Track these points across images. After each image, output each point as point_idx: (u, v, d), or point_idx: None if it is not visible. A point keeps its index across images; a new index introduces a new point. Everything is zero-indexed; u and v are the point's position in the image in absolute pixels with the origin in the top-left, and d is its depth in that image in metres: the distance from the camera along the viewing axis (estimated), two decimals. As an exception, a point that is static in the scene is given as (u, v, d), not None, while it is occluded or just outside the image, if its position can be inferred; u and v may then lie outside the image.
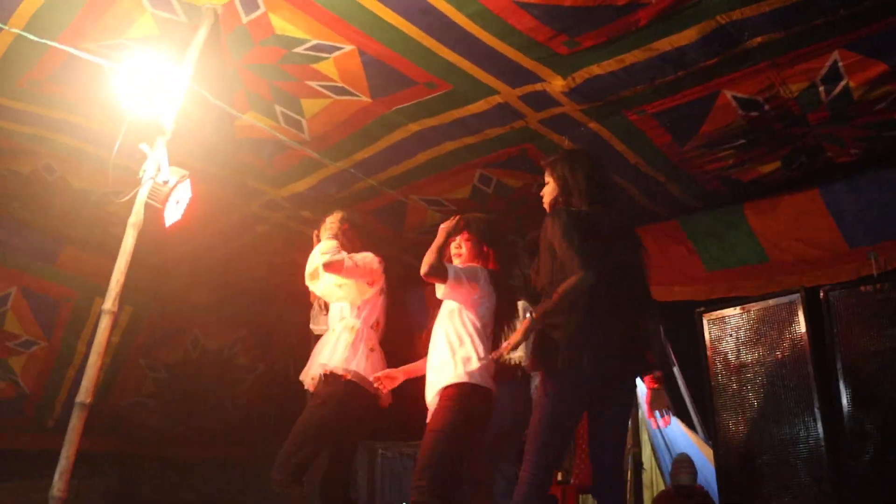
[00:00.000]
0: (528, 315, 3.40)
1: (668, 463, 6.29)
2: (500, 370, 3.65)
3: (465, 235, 3.80)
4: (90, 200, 5.17)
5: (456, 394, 3.43)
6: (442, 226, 3.67)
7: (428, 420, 3.49)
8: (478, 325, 3.59)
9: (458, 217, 3.74)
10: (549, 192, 3.46)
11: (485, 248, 3.80)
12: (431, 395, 3.52)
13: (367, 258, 4.11)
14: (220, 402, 7.10)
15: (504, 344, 3.27)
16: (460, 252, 3.80)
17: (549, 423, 3.10)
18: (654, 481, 6.60)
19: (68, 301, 5.91)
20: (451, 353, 3.52)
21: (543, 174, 3.52)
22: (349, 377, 3.89)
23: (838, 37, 3.49)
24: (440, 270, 3.52)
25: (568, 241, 3.10)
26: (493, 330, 3.67)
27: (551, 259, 3.20)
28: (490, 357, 3.44)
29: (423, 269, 3.52)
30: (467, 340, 3.53)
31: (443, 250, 3.62)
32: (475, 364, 3.46)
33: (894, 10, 3.30)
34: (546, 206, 3.47)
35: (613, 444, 3.26)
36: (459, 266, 3.69)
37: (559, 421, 3.12)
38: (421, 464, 3.32)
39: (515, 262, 4.03)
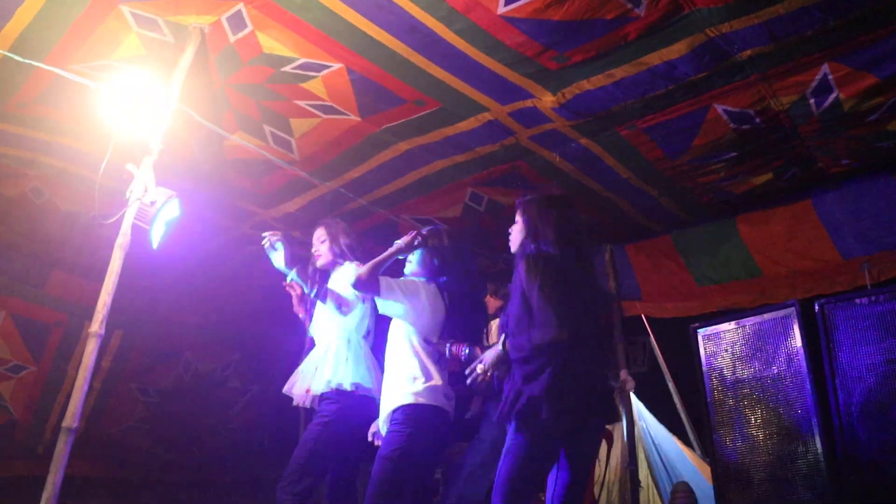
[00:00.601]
0: (502, 339, 3.28)
1: (664, 481, 6.23)
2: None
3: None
4: (79, 223, 5.13)
5: (402, 417, 3.33)
6: (398, 241, 3.58)
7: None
8: (423, 342, 3.48)
9: (415, 233, 3.63)
10: (517, 232, 3.34)
11: (436, 262, 3.67)
12: (381, 421, 3.46)
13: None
14: (213, 426, 7.02)
15: (480, 367, 3.13)
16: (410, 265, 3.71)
17: (522, 474, 2.99)
18: (650, 499, 6.53)
19: (58, 325, 5.85)
20: (397, 373, 3.44)
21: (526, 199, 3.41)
22: (359, 392, 3.74)
23: (828, 49, 3.50)
24: (370, 283, 3.40)
25: (546, 294, 2.97)
26: (453, 347, 3.56)
27: (523, 304, 3.07)
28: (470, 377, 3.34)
29: (351, 279, 3.44)
30: (414, 359, 3.44)
31: (383, 264, 3.49)
32: (422, 384, 3.36)
33: (882, 22, 3.31)
34: (512, 245, 3.35)
35: (575, 491, 3.16)
36: (401, 279, 3.58)
37: (533, 472, 3.03)
38: (368, 494, 3.24)
39: (472, 278, 3.95)
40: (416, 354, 3.44)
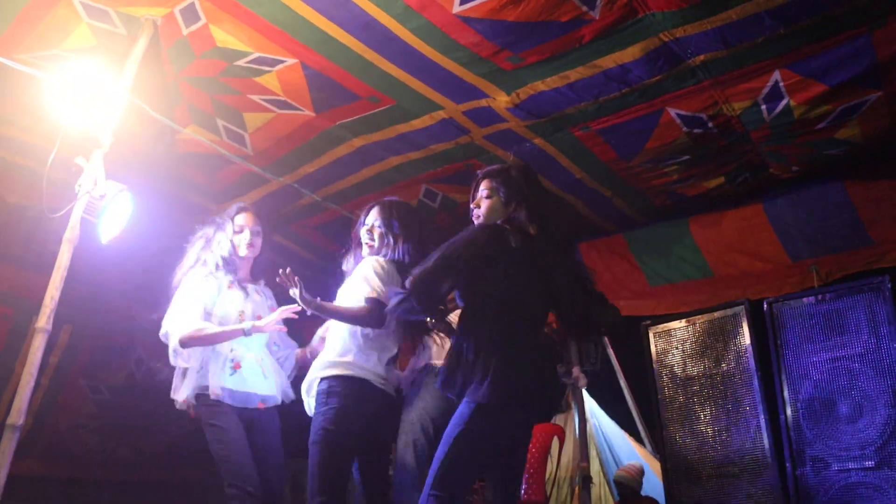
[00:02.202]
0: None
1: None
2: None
3: (377, 222, 3.50)
4: (26, 216, 5.01)
5: (326, 388, 3.19)
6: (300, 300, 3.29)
7: None
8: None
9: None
10: (488, 207, 3.12)
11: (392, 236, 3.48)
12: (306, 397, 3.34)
13: None
14: (163, 423, 6.93)
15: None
16: (372, 242, 3.50)
17: (466, 459, 2.79)
18: (602, 496, 6.61)
19: (4, 319, 5.73)
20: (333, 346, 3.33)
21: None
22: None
23: (779, 56, 3.56)
24: (376, 318, 3.23)
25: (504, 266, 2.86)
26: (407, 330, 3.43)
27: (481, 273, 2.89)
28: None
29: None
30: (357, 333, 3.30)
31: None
32: (353, 355, 3.24)
33: (831, 31, 3.38)
34: (481, 217, 3.15)
35: (515, 479, 3.06)
36: (371, 280, 3.33)
37: (477, 456, 2.82)
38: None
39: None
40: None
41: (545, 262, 2.98)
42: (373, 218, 3.55)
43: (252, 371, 3.62)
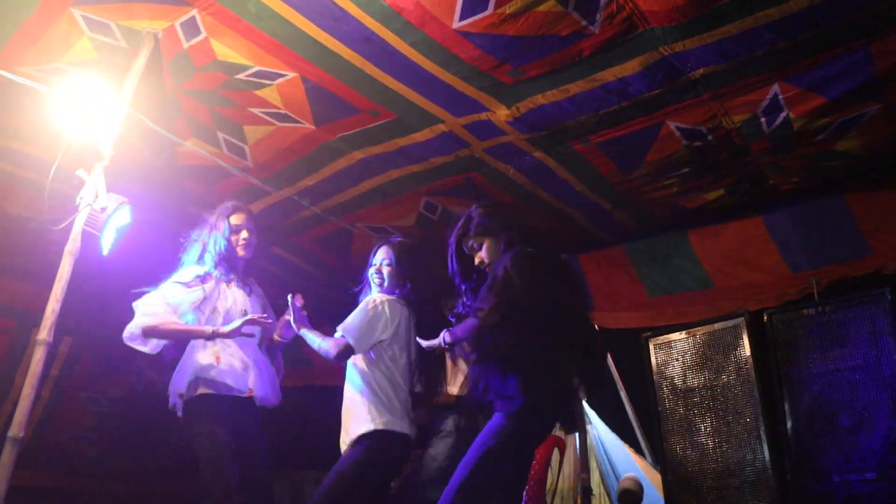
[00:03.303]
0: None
1: (615, 489, 6.28)
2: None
3: (387, 261, 3.86)
4: (28, 228, 5.02)
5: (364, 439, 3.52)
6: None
7: None
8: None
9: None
10: (490, 247, 3.61)
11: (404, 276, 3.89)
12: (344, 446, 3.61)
13: None
14: (164, 435, 6.91)
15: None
16: (381, 280, 3.83)
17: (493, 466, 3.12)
18: (602, 507, 6.59)
19: (5, 332, 5.73)
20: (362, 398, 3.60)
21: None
22: None
23: (778, 70, 3.56)
24: (343, 352, 3.64)
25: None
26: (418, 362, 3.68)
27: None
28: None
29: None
30: (385, 384, 3.66)
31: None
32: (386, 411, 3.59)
33: (829, 44, 3.38)
34: (487, 259, 3.58)
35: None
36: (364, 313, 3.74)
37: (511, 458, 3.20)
38: None
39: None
40: (389, 380, 3.82)
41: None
42: (380, 258, 3.92)
43: (232, 367, 3.74)
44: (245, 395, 3.71)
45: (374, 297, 3.79)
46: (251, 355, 3.82)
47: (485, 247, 3.58)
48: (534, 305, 3.19)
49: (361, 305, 3.77)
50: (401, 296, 3.79)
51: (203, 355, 3.74)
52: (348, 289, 4.20)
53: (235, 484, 3.48)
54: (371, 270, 3.94)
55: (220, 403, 3.65)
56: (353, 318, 3.71)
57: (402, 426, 3.62)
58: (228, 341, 3.74)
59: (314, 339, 3.69)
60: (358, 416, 3.60)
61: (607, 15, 3.22)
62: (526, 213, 3.58)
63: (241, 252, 3.94)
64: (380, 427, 3.54)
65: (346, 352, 3.63)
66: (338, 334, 3.67)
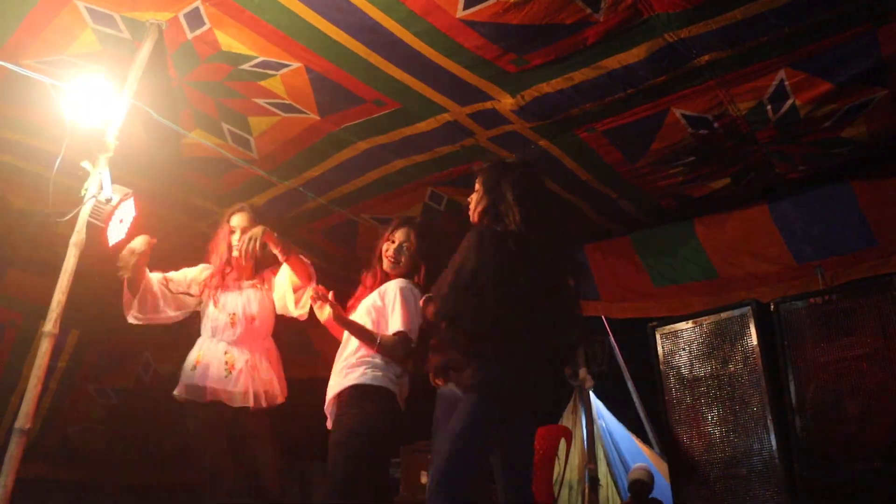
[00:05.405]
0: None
1: (623, 479, 6.30)
2: None
3: (408, 243, 3.59)
4: (33, 220, 5.03)
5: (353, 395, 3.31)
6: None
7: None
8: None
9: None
10: (475, 201, 3.12)
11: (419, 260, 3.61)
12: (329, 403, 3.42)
13: None
14: (171, 426, 6.94)
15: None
16: (398, 260, 3.59)
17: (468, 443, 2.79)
18: (609, 497, 6.61)
19: (12, 325, 5.76)
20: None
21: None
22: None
23: (784, 55, 3.55)
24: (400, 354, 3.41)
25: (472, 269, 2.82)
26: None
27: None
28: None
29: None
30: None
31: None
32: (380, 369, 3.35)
33: (836, 29, 3.36)
34: (472, 216, 3.15)
35: (524, 469, 3.02)
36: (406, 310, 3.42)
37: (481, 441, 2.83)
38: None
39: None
40: None
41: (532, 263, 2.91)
42: (401, 237, 3.64)
43: (212, 367, 3.75)
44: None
45: (403, 284, 3.54)
46: (242, 357, 3.81)
47: (472, 200, 3.16)
48: (496, 287, 2.81)
49: (402, 296, 3.47)
50: (417, 280, 3.59)
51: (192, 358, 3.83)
52: (354, 280, 4.15)
53: (230, 488, 3.50)
54: (389, 247, 3.61)
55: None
56: (405, 312, 3.41)
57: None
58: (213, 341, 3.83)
59: (361, 329, 3.43)
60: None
61: (612, 2, 3.20)
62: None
63: (235, 252, 3.90)
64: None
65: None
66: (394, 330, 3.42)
